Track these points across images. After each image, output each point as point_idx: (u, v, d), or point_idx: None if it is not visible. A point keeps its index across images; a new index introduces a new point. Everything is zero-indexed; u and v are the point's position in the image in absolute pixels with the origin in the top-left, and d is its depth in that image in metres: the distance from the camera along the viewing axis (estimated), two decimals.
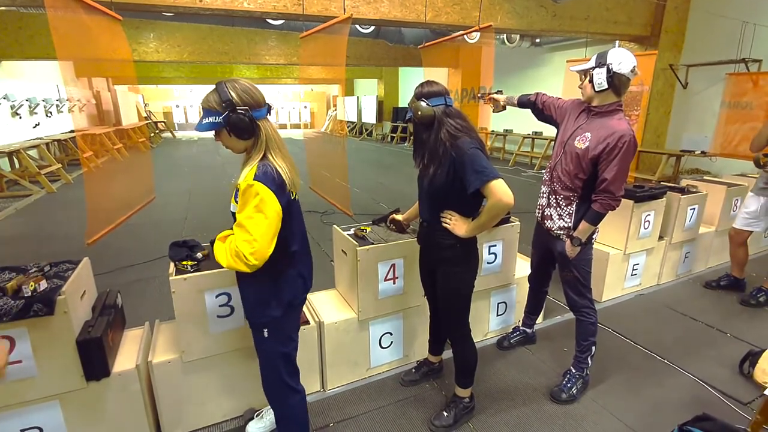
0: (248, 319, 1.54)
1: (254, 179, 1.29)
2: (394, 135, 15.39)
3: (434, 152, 1.69)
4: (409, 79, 15.70)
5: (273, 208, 1.30)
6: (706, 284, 3.42)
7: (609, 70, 1.86)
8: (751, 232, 3.15)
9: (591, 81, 1.93)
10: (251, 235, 1.29)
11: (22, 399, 1.59)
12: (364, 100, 17.19)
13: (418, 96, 1.71)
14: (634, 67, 1.87)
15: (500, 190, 1.58)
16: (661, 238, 3.34)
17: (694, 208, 3.37)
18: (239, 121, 1.30)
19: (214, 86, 1.34)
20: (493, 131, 10.84)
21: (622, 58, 1.85)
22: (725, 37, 6.05)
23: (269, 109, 1.39)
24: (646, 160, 6.92)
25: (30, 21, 7.11)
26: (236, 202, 1.36)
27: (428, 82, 1.74)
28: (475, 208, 1.75)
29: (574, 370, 2.20)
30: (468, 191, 1.64)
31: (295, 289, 1.52)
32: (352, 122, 18.14)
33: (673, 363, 2.45)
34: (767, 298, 3.07)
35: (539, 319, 2.83)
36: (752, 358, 2.31)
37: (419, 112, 1.69)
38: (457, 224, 1.74)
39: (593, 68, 1.91)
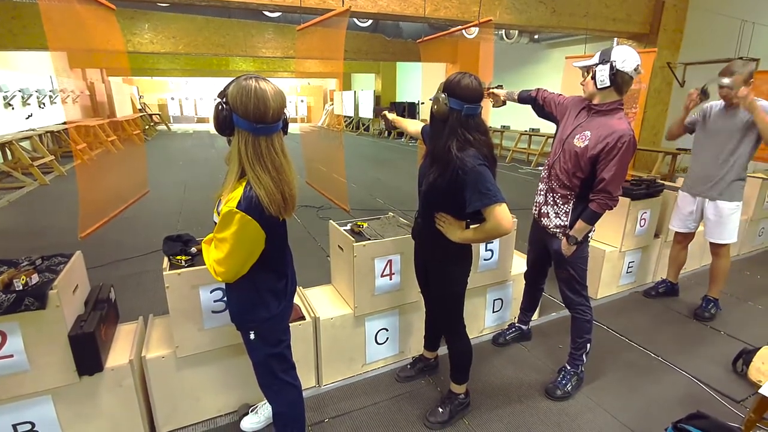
0: (233, 323, 1.52)
1: (237, 207, 1.23)
2: (392, 130, 15.34)
3: (440, 157, 1.60)
4: (407, 74, 15.63)
5: (253, 236, 1.28)
6: (645, 293, 3.27)
7: (612, 68, 1.84)
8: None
9: (593, 78, 1.91)
10: (224, 258, 1.30)
11: (14, 394, 1.58)
12: (361, 95, 17.10)
13: (445, 86, 1.58)
14: (638, 65, 1.84)
15: (502, 215, 1.51)
16: (656, 236, 3.35)
17: None
18: (217, 114, 1.26)
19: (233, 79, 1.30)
20: (490, 127, 10.79)
21: (626, 56, 1.82)
22: (723, 36, 6.05)
23: (262, 129, 1.25)
24: (642, 158, 6.93)
25: (23, 10, 7.00)
26: (218, 213, 1.33)
27: (464, 77, 1.56)
28: (471, 214, 1.66)
29: (569, 367, 2.21)
30: (467, 210, 1.56)
31: (277, 299, 1.48)
32: (349, 117, 18.06)
33: (668, 361, 2.46)
34: (717, 308, 2.98)
35: (535, 316, 2.83)
36: (746, 356, 2.32)
37: (435, 106, 1.59)
38: (450, 228, 1.69)
39: (596, 65, 1.89)
